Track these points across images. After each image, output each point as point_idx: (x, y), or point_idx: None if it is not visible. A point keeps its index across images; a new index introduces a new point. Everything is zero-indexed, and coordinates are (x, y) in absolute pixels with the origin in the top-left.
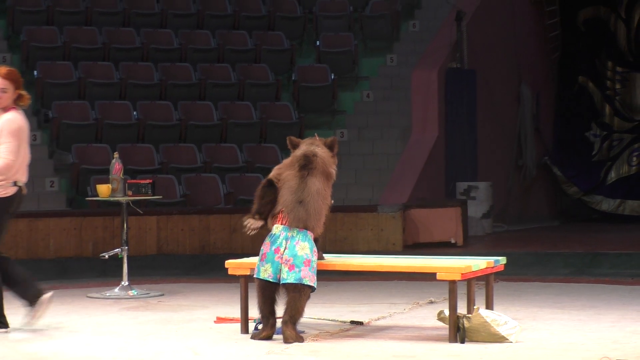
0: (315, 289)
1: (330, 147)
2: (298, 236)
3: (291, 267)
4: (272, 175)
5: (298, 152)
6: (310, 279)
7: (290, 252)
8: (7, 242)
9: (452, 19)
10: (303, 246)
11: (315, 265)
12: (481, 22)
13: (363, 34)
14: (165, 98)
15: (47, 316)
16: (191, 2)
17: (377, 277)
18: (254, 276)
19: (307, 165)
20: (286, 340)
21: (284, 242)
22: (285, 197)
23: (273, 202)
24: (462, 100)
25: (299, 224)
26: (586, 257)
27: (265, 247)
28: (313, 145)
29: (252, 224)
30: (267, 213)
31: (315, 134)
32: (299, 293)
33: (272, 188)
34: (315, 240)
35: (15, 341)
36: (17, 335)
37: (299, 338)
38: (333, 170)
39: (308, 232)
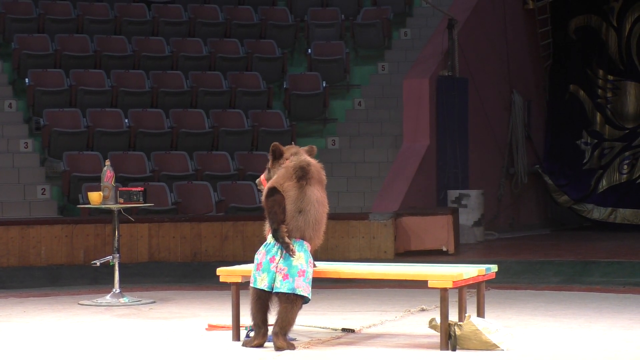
0: (309, 300)
1: (310, 155)
2: (294, 246)
3: (285, 277)
4: (273, 184)
5: (290, 163)
6: (304, 290)
7: (285, 262)
8: None
9: (444, 27)
10: (298, 256)
11: (310, 276)
12: (473, 30)
13: (354, 42)
14: (157, 106)
15: (38, 323)
16: (182, 10)
17: (369, 284)
18: (250, 285)
19: (304, 175)
20: (277, 350)
21: (279, 251)
22: (286, 207)
23: (284, 209)
24: (454, 108)
25: (297, 233)
26: (577, 266)
27: (261, 257)
28: (301, 155)
29: (286, 237)
30: (284, 220)
31: (293, 142)
32: (290, 304)
33: (279, 194)
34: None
35: (5, 348)
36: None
37: (290, 346)
38: (325, 177)
39: (305, 242)
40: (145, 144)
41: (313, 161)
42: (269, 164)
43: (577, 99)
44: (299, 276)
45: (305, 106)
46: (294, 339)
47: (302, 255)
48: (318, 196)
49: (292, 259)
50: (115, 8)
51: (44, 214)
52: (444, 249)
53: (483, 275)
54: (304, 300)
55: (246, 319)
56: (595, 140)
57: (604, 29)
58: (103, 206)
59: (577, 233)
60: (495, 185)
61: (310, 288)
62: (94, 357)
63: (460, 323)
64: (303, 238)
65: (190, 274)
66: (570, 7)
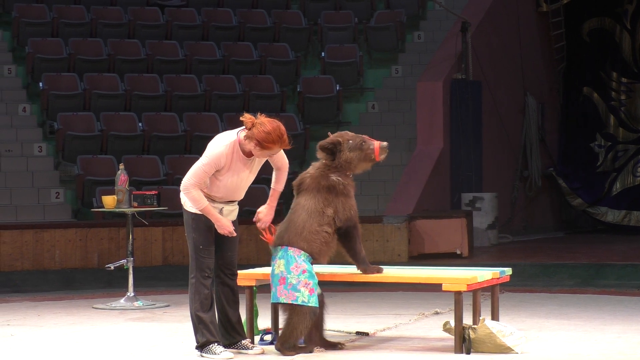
0: (313, 306)
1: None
2: (277, 254)
3: (270, 287)
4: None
5: None
6: (287, 297)
7: (271, 272)
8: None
9: (457, 30)
10: (279, 264)
11: (293, 282)
12: (486, 33)
13: (368, 45)
14: (171, 109)
15: (53, 327)
16: (196, 14)
17: (383, 288)
18: None
19: (298, 187)
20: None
21: (272, 262)
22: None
23: None
24: (467, 111)
25: (277, 241)
26: (592, 268)
27: None
28: (312, 168)
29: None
30: None
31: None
32: (288, 314)
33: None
34: (314, 256)
35: (19, 352)
36: (19, 346)
37: (300, 350)
38: (335, 179)
39: (289, 248)
40: (159, 148)
41: (315, 171)
42: None
43: (590, 101)
44: (280, 284)
45: (319, 109)
46: None
47: (282, 262)
48: (304, 203)
49: (274, 267)
50: (129, 12)
51: (58, 218)
52: (458, 252)
53: (497, 278)
54: (312, 309)
55: (261, 323)
56: (609, 143)
57: (618, 32)
58: (117, 210)
59: (592, 236)
60: (509, 188)
61: (295, 294)
62: None
63: (475, 326)
64: (282, 243)
65: None
66: (583, 9)
